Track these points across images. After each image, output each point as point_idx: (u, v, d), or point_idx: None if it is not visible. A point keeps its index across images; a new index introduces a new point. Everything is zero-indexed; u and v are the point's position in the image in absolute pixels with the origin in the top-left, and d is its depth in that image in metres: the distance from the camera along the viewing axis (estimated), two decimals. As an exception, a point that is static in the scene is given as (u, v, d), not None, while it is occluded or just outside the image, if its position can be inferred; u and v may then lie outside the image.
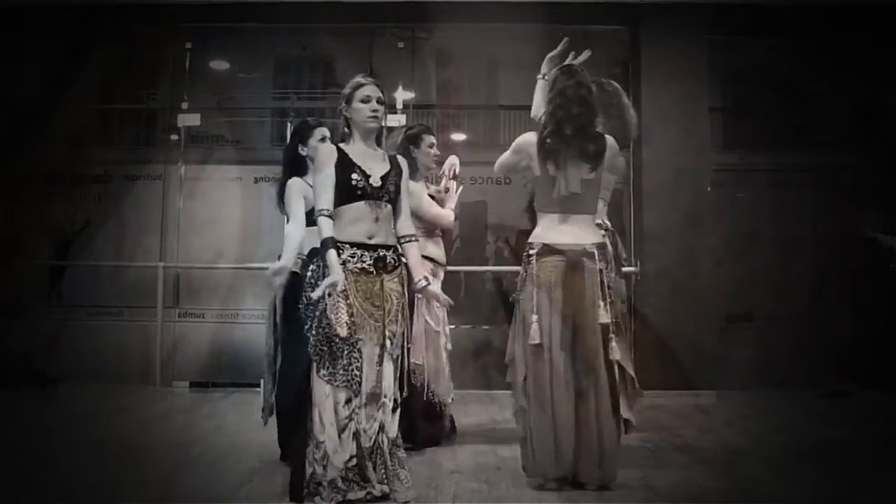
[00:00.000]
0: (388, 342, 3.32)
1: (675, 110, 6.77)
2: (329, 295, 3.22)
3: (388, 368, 3.33)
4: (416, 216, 4.54)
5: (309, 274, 3.38)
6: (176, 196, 7.72)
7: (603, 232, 3.89)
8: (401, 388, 3.41)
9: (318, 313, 3.26)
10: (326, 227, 3.28)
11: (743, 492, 3.58)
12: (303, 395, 3.36)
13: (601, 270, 3.53)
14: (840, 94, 7.46)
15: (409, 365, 3.50)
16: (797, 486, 3.67)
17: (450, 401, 4.56)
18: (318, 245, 3.36)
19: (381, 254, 3.36)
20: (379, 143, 3.54)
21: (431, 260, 4.59)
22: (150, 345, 7.06)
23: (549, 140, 3.61)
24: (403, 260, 3.48)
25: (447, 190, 4.75)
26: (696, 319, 6.48)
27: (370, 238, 3.34)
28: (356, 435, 3.25)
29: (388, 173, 3.41)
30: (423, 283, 3.46)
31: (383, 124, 3.50)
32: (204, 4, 7.10)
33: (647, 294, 6.56)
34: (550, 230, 3.62)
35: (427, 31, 7.91)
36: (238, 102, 8.26)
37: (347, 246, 3.31)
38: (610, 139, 3.69)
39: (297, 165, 4.12)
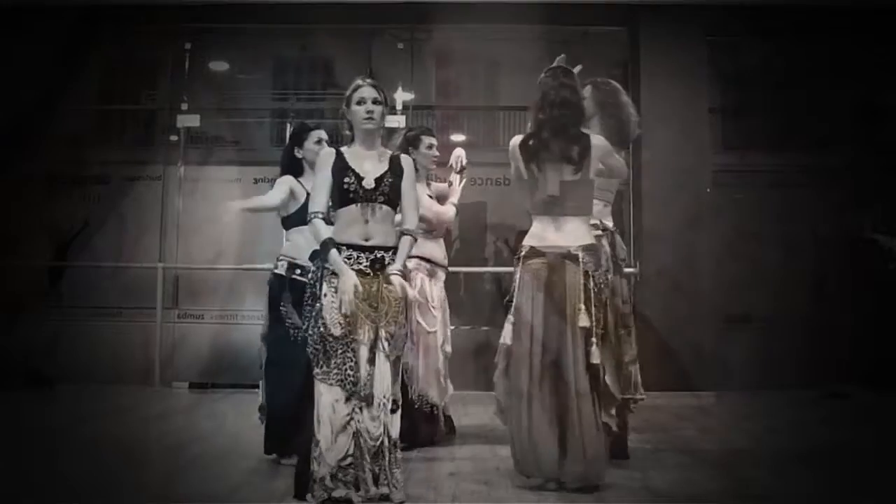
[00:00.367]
0: (384, 343, 3.32)
1: (674, 111, 6.77)
2: (325, 295, 3.28)
3: (385, 369, 3.32)
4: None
5: (310, 276, 3.44)
6: (175, 197, 7.72)
7: (599, 233, 3.86)
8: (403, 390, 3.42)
9: (314, 313, 3.32)
10: (322, 229, 3.35)
11: (742, 492, 3.58)
12: (288, 394, 3.52)
13: (586, 273, 3.47)
14: (839, 95, 7.46)
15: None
16: (797, 487, 3.66)
17: (441, 403, 4.54)
18: (298, 246, 3.69)
19: (379, 255, 3.36)
20: (384, 144, 3.57)
21: (429, 261, 4.60)
22: (149, 345, 7.06)
23: (529, 142, 3.62)
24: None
25: (451, 184, 4.76)
26: (695, 320, 6.48)
27: (366, 240, 3.35)
28: (356, 435, 3.25)
29: (383, 174, 3.41)
30: (395, 273, 3.37)
31: (381, 125, 3.48)
32: (203, 5, 7.10)
33: (647, 294, 6.55)
34: (538, 232, 3.62)
35: (426, 32, 7.91)
36: (237, 103, 8.27)
37: (344, 248, 3.34)
38: (598, 139, 3.65)
39: (292, 167, 4.17)
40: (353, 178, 3.37)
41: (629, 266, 4.30)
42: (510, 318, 3.59)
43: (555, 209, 3.57)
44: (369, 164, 3.43)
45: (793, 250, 7.42)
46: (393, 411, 3.34)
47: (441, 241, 4.73)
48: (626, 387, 4.00)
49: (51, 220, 7.86)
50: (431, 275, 4.61)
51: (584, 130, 3.64)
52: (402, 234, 3.44)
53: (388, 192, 3.39)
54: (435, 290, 4.61)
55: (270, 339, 4.02)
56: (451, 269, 4.89)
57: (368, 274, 3.33)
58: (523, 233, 3.75)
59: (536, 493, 3.44)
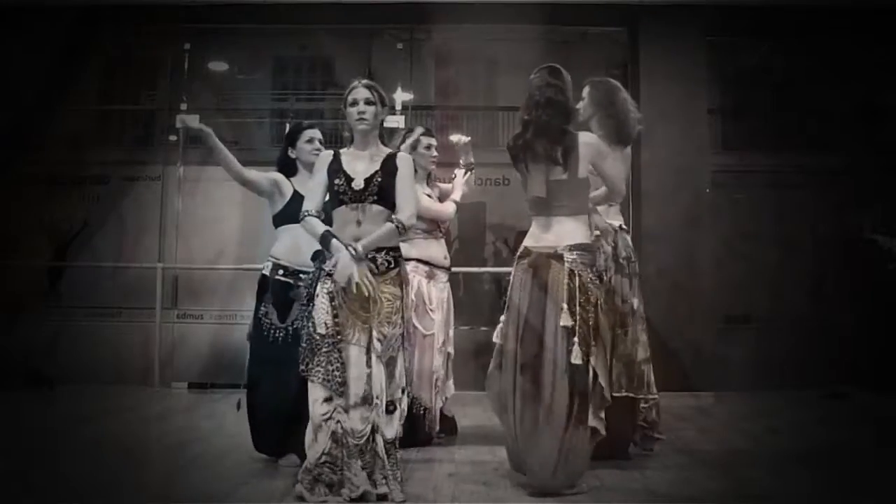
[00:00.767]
0: (377, 344, 3.33)
1: (674, 111, 6.76)
2: (317, 296, 3.35)
3: (378, 370, 3.33)
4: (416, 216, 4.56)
5: (308, 277, 3.52)
6: (175, 197, 7.73)
7: (595, 233, 3.83)
8: (402, 390, 3.43)
9: (307, 313, 3.40)
10: (317, 224, 3.39)
11: (741, 493, 3.58)
12: (269, 392, 3.78)
13: (571, 272, 3.44)
14: (839, 96, 7.47)
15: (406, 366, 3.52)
16: (796, 487, 3.66)
17: (434, 405, 4.52)
18: (285, 246, 3.83)
19: (371, 255, 3.37)
20: (384, 144, 3.59)
21: (427, 263, 4.59)
22: (148, 345, 7.05)
23: (516, 143, 3.63)
24: (401, 261, 3.49)
25: (454, 177, 4.78)
26: (694, 320, 6.47)
27: (357, 240, 3.36)
28: (334, 434, 3.28)
29: (374, 174, 3.42)
30: (353, 251, 3.33)
31: (375, 125, 3.50)
32: (203, 5, 7.09)
33: (646, 294, 6.54)
34: (533, 232, 3.62)
35: (426, 32, 7.93)
36: (237, 103, 8.29)
37: None
38: (589, 138, 3.62)
39: (286, 167, 4.19)
40: (343, 179, 3.41)
41: (632, 265, 4.24)
42: (502, 317, 3.61)
43: (545, 209, 3.56)
44: (362, 165, 3.45)
45: (792, 251, 7.43)
46: (389, 412, 3.35)
47: (442, 241, 4.72)
48: (638, 386, 4.01)
49: (50, 220, 7.87)
50: (430, 276, 4.60)
51: (572, 129, 3.57)
52: (390, 221, 3.40)
53: (378, 191, 3.40)
54: (434, 292, 4.59)
55: (254, 338, 4.05)
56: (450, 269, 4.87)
57: None
58: (523, 233, 3.75)
59: (535, 494, 3.44)
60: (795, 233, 7.56)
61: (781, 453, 4.34)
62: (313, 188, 3.48)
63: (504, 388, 3.51)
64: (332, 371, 3.29)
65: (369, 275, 3.32)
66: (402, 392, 3.43)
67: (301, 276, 3.89)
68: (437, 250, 4.66)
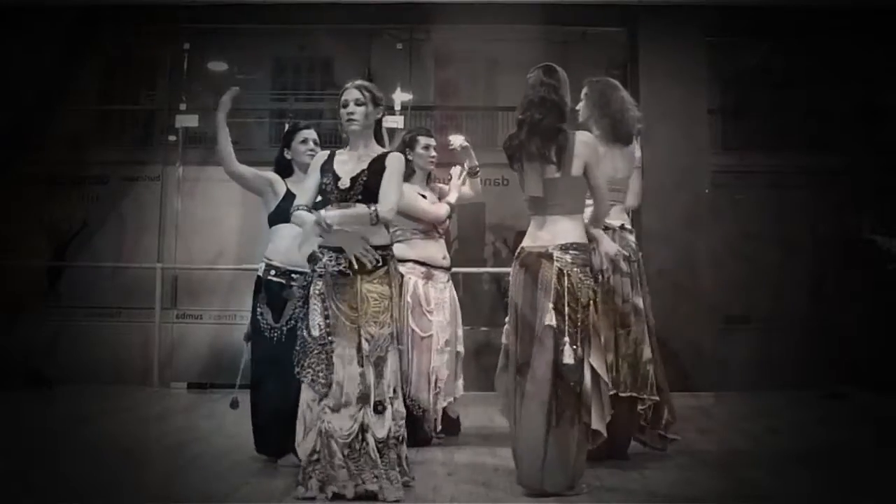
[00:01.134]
0: (364, 344, 3.34)
1: (673, 112, 6.76)
2: (310, 298, 3.42)
3: (369, 370, 3.34)
4: (411, 217, 4.56)
5: (304, 277, 3.61)
6: (174, 197, 7.73)
7: (592, 245, 3.79)
8: (395, 390, 3.43)
9: (302, 315, 3.51)
10: (305, 215, 3.39)
11: (741, 493, 3.58)
12: (266, 392, 3.84)
13: (560, 271, 3.41)
14: (838, 96, 7.47)
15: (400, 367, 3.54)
16: (796, 487, 3.66)
17: (433, 405, 4.50)
18: (277, 247, 3.92)
19: (357, 254, 3.37)
20: (380, 142, 3.60)
21: (423, 263, 4.58)
22: (147, 346, 7.05)
23: (509, 142, 3.63)
24: (390, 260, 3.47)
25: (450, 178, 4.78)
26: (694, 320, 6.46)
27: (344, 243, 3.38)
28: (321, 433, 3.31)
29: (359, 173, 3.43)
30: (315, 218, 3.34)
31: (365, 125, 3.50)
32: (202, 5, 7.09)
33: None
34: (530, 232, 3.60)
35: (425, 32, 7.93)
36: (236, 103, 8.25)
37: (326, 250, 3.41)
38: (584, 136, 3.58)
39: (282, 168, 4.21)
40: (330, 178, 3.44)
41: (633, 264, 4.23)
42: (506, 318, 3.61)
43: (541, 208, 3.55)
44: (350, 165, 3.47)
45: (792, 251, 7.43)
46: (379, 412, 3.34)
47: (441, 241, 4.71)
48: (642, 387, 4.00)
49: (50, 220, 7.88)
50: (428, 277, 4.58)
51: (567, 128, 3.54)
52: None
53: (363, 190, 3.40)
54: (432, 293, 4.58)
55: (252, 339, 4.07)
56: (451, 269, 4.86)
57: (348, 274, 3.36)
58: (522, 233, 3.74)
59: (534, 494, 3.44)
60: (795, 233, 7.57)
61: (781, 453, 4.34)
62: (306, 187, 3.52)
63: (508, 388, 3.52)
64: (318, 372, 3.34)
65: (367, 246, 3.33)
66: (395, 392, 3.41)
67: (293, 276, 3.91)
68: (435, 251, 4.65)
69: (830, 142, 7.58)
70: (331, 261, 3.38)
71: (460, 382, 4.73)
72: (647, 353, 4.04)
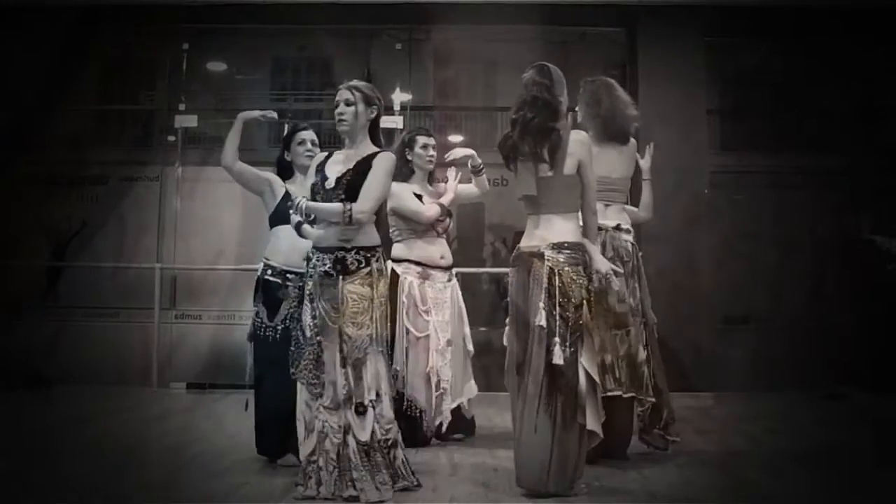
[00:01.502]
0: (342, 345, 3.35)
1: (672, 112, 6.76)
2: (304, 299, 3.47)
3: (349, 371, 3.35)
4: (401, 216, 4.57)
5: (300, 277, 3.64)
6: (173, 197, 7.72)
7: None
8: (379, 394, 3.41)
9: (297, 315, 3.53)
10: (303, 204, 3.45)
11: (741, 493, 3.59)
12: (268, 393, 3.86)
13: (552, 270, 3.40)
14: (838, 96, 7.47)
15: (389, 369, 3.56)
16: (795, 488, 3.67)
17: (432, 406, 4.47)
18: (275, 248, 3.99)
19: (340, 255, 3.39)
20: (377, 143, 3.59)
21: (418, 263, 4.58)
22: (147, 346, 7.04)
23: (503, 142, 3.63)
24: (373, 262, 3.45)
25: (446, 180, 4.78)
26: (694, 320, 6.47)
27: (327, 241, 3.40)
28: (319, 433, 3.34)
29: (345, 173, 3.44)
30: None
31: (354, 125, 3.51)
32: (202, 5, 7.09)
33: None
34: (526, 231, 3.60)
35: (425, 32, 7.92)
36: (236, 103, 8.26)
37: (314, 251, 3.45)
38: (578, 135, 3.56)
39: (283, 170, 4.24)
40: (318, 179, 3.48)
41: (627, 264, 4.22)
42: (508, 318, 3.61)
43: (535, 207, 3.55)
44: (340, 165, 3.49)
45: (791, 251, 7.43)
46: (360, 413, 3.34)
47: (441, 241, 4.69)
48: (638, 387, 4.00)
49: (49, 220, 7.87)
50: (424, 277, 4.57)
51: (560, 127, 3.50)
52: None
53: (346, 190, 3.40)
54: (429, 293, 4.56)
55: (253, 339, 4.08)
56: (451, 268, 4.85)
57: (332, 275, 3.37)
58: (521, 233, 3.73)
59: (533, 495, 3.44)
60: (794, 233, 7.57)
61: (780, 454, 4.34)
62: (306, 187, 3.57)
63: (511, 388, 3.52)
64: (311, 372, 3.37)
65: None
66: (378, 396, 3.39)
67: (289, 276, 3.93)
68: (433, 250, 4.63)
69: (829, 142, 7.58)
70: (319, 261, 3.41)
71: (472, 382, 4.71)
72: (641, 353, 4.03)
